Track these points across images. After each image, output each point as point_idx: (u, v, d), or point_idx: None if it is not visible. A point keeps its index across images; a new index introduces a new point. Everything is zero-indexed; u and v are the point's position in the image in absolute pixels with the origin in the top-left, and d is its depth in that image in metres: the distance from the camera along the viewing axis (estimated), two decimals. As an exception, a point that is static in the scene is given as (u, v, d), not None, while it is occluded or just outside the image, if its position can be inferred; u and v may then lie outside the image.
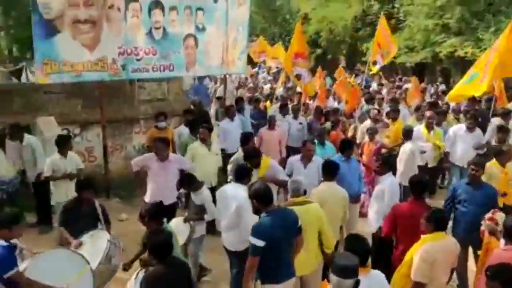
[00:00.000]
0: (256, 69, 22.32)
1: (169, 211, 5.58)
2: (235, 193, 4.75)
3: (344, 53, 26.14)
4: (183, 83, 11.44)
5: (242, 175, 4.94)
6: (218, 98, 11.33)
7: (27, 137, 7.32)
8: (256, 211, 4.08)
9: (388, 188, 5.33)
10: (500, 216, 4.33)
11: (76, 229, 4.90)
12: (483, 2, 16.35)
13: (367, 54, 22.00)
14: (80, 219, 5.00)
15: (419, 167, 7.67)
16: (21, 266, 4.11)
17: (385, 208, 5.13)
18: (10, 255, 3.92)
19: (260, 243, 3.81)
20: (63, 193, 6.49)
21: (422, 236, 4.03)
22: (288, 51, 11.20)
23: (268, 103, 11.70)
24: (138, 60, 8.03)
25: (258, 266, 3.92)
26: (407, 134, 7.56)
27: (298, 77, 10.83)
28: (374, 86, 16.55)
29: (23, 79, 15.72)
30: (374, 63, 12.68)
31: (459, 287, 5.38)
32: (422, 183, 4.90)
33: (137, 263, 4.58)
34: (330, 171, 5.23)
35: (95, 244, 4.60)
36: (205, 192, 5.49)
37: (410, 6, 18.94)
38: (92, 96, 8.44)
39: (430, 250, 3.90)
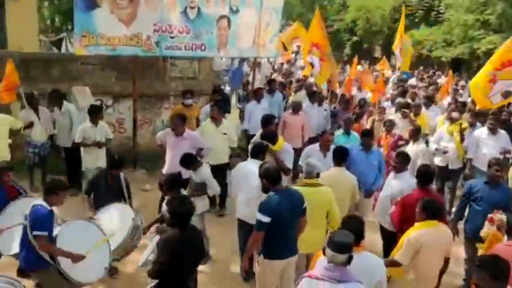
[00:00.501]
0: (293, 55, 21.96)
1: (183, 185, 5.82)
2: (254, 169, 4.91)
3: (380, 43, 25.81)
4: (214, 63, 11.66)
5: (257, 152, 5.18)
6: (243, 83, 11.55)
7: (65, 104, 7.77)
8: (265, 190, 4.28)
9: (408, 189, 5.27)
10: (498, 217, 4.40)
11: (100, 199, 5.31)
12: (527, -1, 15.90)
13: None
14: (105, 190, 5.38)
15: (440, 167, 7.52)
16: (55, 232, 4.45)
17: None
18: (49, 219, 4.24)
19: (266, 219, 4.03)
20: (93, 160, 6.90)
21: (415, 224, 4.19)
22: (306, 38, 11.09)
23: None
24: (171, 38, 8.26)
25: (262, 242, 4.15)
26: (415, 133, 7.13)
27: (312, 65, 10.81)
28: (412, 81, 16.05)
29: (63, 49, 16.28)
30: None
31: (466, 281, 5.48)
32: (429, 173, 5.04)
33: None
34: (339, 156, 5.40)
35: (120, 219, 4.97)
36: (203, 169, 5.67)
37: (452, -1, 18.58)
38: (126, 70, 8.77)
39: (419, 236, 4.04)
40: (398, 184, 5.39)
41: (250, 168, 5.07)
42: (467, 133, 7.63)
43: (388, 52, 25.26)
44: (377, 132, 8.28)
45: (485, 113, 8.45)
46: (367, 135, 6.41)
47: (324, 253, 3.07)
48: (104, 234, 4.66)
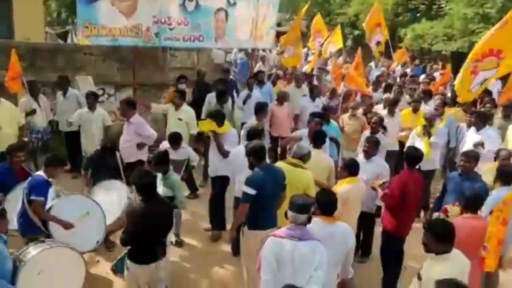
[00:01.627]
0: (305, 49, 19.59)
1: (131, 169, 5.84)
2: None
3: (383, 37, 25.91)
4: (215, 56, 11.98)
5: (253, 135, 5.52)
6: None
7: (71, 89, 8.23)
8: (251, 167, 4.67)
9: (384, 171, 5.63)
10: (451, 208, 4.64)
11: (98, 175, 5.72)
12: (528, -9, 15.91)
13: (404, 40, 21.90)
14: (102, 167, 5.78)
15: None
16: (51, 202, 4.84)
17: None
18: (45, 186, 4.68)
19: (251, 191, 4.42)
20: (92, 145, 7.28)
21: (339, 181, 4.98)
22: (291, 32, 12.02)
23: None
24: (170, 29, 8.58)
25: (247, 215, 4.54)
26: (375, 126, 7.08)
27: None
28: (422, 77, 15.76)
29: (69, 42, 16.71)
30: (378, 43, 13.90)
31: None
32: (416, 156, 5.30)
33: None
34: (317, 139, 5.81)
35: (116, 196, 5.40)
36: (186, 148, 6.32)
37: (453, -7, 18.63)
38: (128, 60, 9.13)
39: (344, 191, 4.75)
40: (371, 168, 5.55)
41: None
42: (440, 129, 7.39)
43: (390, 46, 25.40)
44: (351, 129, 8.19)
45: (486, 114, 7.88)
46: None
47: (286, 216, 3.44)
48: (99, 205, 5.02)
